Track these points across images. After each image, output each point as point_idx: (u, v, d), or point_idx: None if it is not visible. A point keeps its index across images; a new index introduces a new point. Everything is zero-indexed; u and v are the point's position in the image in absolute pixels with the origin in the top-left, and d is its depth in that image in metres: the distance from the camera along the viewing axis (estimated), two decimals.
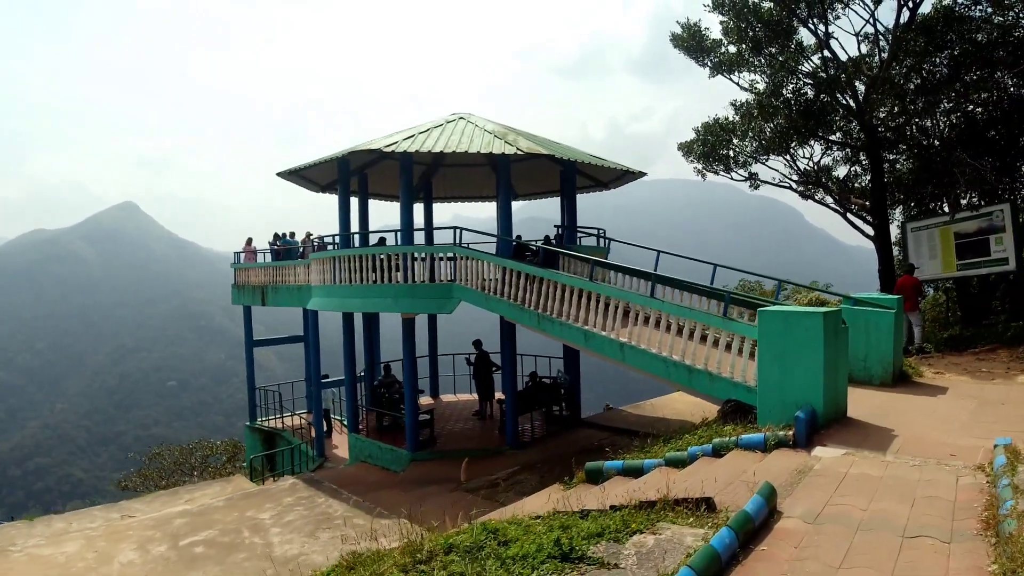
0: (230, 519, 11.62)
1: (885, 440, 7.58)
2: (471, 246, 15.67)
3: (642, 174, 18.29)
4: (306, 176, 19.18)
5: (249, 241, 25.31)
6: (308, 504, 11.87)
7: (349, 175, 17.98)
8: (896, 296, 11.00)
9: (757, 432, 8.06)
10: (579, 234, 18.56)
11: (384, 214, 27.21)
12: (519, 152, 14.52)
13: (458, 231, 15.03)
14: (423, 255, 15.45)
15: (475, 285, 14.38)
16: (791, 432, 7.61)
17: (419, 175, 22.30)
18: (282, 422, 23.20)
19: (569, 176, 18.06)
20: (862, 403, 9.17)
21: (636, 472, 8.51)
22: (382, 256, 15.55)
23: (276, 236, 23.54)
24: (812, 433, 7.71)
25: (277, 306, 22.23)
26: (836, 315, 8.18)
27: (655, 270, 13.86)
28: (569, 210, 18.22)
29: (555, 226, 17.51)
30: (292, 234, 23.27)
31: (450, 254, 15.14)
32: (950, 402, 9.51)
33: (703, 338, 10.10)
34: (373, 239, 18.22)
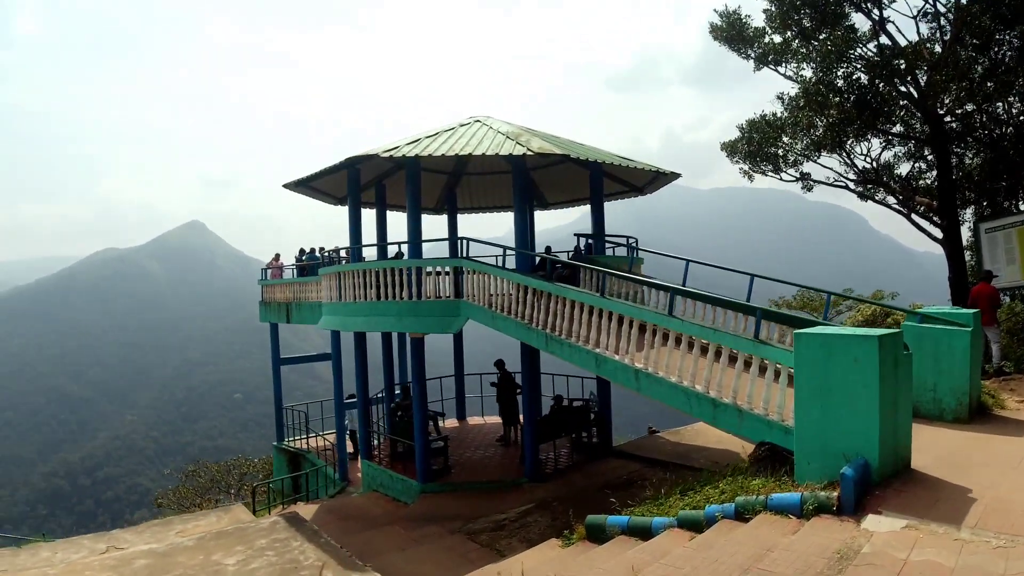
0: (194, 563, 10.26)
1: (960, 505, 5.70)
2: (493, 260, 14.26)
3: (675, 175, 16.45)
4: (318, 188, 17.99)
5: (276, 257, 24.44)
6: (280, 549, 10.43)
7: (359, 185, 16.71)
8: (972, 311, 8.93)
9: (793, 490, 6.29)
10: (609, 244, 16.81)
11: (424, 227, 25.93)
12: (530, 152, 12.95)
13: (465, 242, 13.51)
14: (429, 270, 14.03)
15: (482, 302, 12.85)
16: (835, 494, 5.82)
17: (441, 185, 20.98)
18: (307, 443, 22.14)
19: (596, 180, 16.37)
20: (930, 447, 7.24)
21: (643, 532, 6.97)
22: (384, 271, 14.19)
23: (301, 251, 22.53)
24: (863, 495, 5.89)
25: (301, 323, 21.19)
26: (896, 339, 6.31)
27: (684, 282, 12.08)
28: (596, 217, 16.50)
29: (575, 235, 15.78)
30: (321, 249, 22.16)
31: (457, 268, 13.65)
32: None
33: (737, 361, 8.24)
34: (383, 252, 16.93)
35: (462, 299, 13.37)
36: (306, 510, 16.06)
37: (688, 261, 12.07)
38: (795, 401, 6.52)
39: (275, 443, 24.06)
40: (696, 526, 6.49)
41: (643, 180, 17.89)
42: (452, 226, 21.58)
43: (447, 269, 13.86)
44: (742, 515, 6.20)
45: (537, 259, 14.54)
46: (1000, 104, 16.48)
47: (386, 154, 13.25)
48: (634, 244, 15.88)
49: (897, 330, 6.38)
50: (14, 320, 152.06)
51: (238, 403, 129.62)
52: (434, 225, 22.56)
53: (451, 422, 20.74)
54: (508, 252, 13.50)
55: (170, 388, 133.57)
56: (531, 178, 19.87)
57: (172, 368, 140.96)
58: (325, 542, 11.61)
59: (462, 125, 16.11)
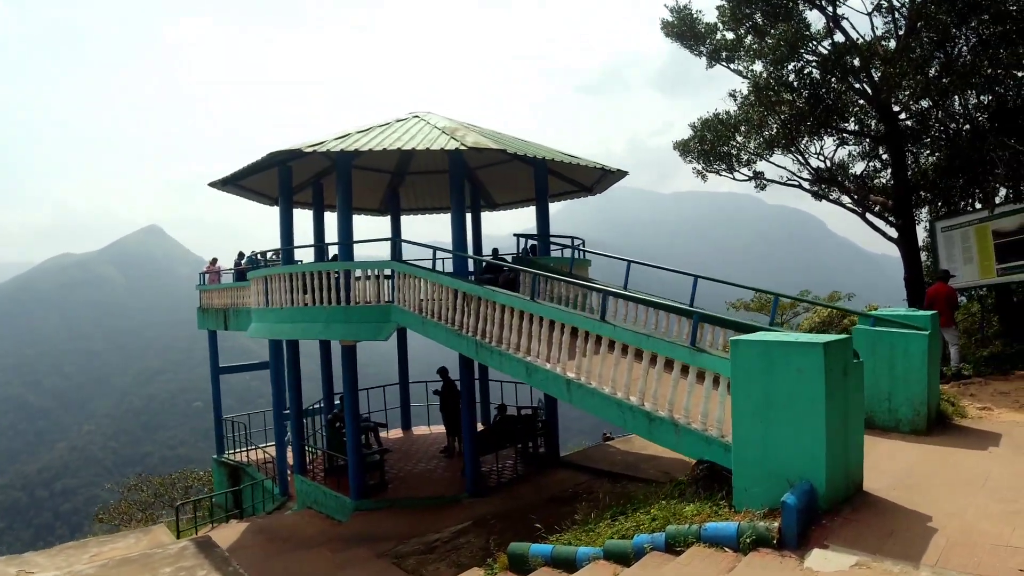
0: None
1: (919, 537, 4.87)
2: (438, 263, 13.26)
3: (623, 173, 15.64)
4: (249, 187, 16.77)
5: (214, 261, 23.13)
6: None
7: (290, 183, 15.58)
8: (929, 312, 8.14)
9: (730, 518, 5.42)
10: (555, 245, 15.89)
11: (366, 229, 24.79)
12: (463, 147, 11.99)
13: (396, 243, 12.49)
14: (359, 273, 13.00)
15: (413, 307, 11.83)
16: (776, 524, 4.96)
17: (384, 185, 19.91)
18: (247, 456, 20.85)
19: (541, 178, 15.43)
20: (885, 465, 6.43)
21: (567, 564, 6.23)
22: (311, 275, 13.11)
23: (240, 255, 21.20)
24: (808, 524, 5.05)
25: (238, 330, 19.87)
26: (845, 345, 5.46)
27: (625, 284, 11.20)
28: (541, 217, 15.56)
29: (515, 235, 14.83)
30: (263, 254, 20.84)
31: (387, 271, 12.62)
32: (1008, 459, 6.67)
33: (673, 370, 7.31)
34: (320, 254, 15.83)
35: (393, 304, 12.35)
36: (234, 529, 14.93)
37: (629, 262, 11.18)
38: (732, 417, 5.66)
39: (214, 456, 22.75)
40: (624, 558, 5.68)
41: (591, 179, 17.06)
42: (395, 228, 20.50)
43: (378, 272, 12.78)
44: (673, 547, 5.36)
45: (484, 264, 13.60)
46: (956, 99, 15.95)
47: (310, 149, 12.17)
48: (579, 245, 14.94)
49: (846, 336, 5.52)
50: None
51: (198, 411, 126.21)
52: (381, 227, 21.44)
53: (395, 432, 19.65)
54: (440, 255, 12.42)
55: (129, 397, 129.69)
56: (476, 177, 18.99)
57: (131, 376, 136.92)
58: (233, 571, 10.53)
59: (399, 120, 15.13)
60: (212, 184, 15.76)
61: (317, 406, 18.54)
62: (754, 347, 5.44)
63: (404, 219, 22.02)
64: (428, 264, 12.56)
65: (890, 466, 6.39)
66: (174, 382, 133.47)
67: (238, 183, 16.14)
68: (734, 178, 19.44)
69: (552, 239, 15.25)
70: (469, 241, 19.22)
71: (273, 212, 19.58)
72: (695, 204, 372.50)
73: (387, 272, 12.72)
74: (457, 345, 10.67)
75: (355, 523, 13.27)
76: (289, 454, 18.16)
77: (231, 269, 21.33)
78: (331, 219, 18.54)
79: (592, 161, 14.73)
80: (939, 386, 8.33)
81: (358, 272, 12.96)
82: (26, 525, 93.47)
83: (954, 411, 8.30)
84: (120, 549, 14.13)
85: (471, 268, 14.46)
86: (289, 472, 17.26)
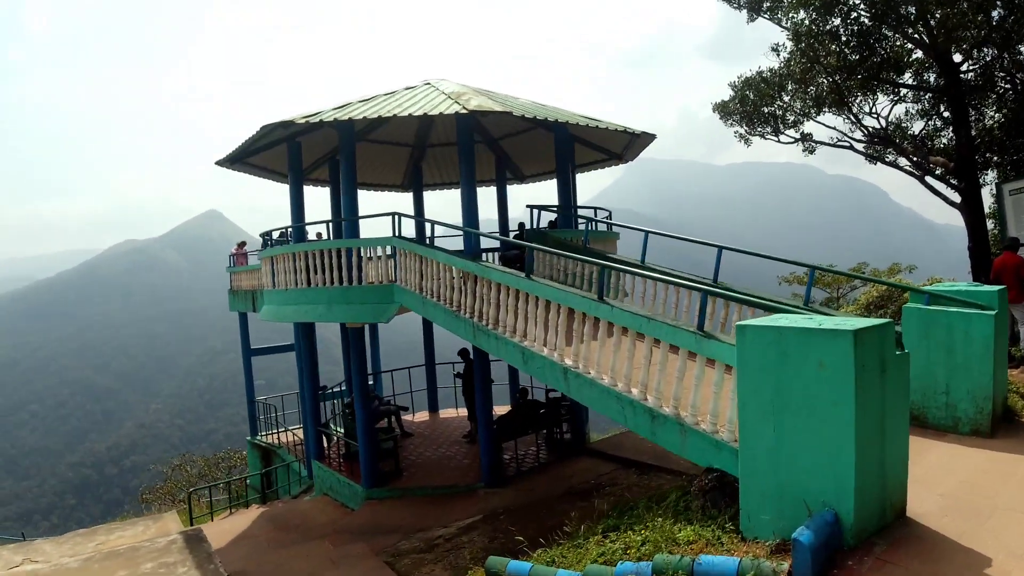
0: None
1: None
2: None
3: (650, 136, 14.25)
4: (260, 165, 16.05)
5: (241, 244, 22.69)
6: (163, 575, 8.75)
7: (300, 160, 14.79)
8: (996, 288, 6.69)
9: (732, 550, 4.33)
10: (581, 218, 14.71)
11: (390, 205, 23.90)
12: (464, 110, 10.87)
13: (397, 218, 11.50)
14: (368, 251, 12.10)
15: (414, 286, 10.87)
16: (786, 566, 3.84)
17: (405, 159, 18.95)
18: (278, 438, 20.50)
19: (562, 145, 14.24)
20: (937, 479, 5.17)
21: None
22: (313, 254, 12.29)
23: (266, 234, 20.66)
24: (829, 566, 3.90)
25: None
26: (884, 333, 4.22)
27: (643, 256, 9.99)
28: (562, 187, 14.38)
29: (528, 207, 13.65)
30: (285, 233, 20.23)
31: (390, 249, 11.68)
32: None
33: (678, 359, 6.15)
34: (337, 231, 15.05)
35: (396, 284, 11.42)
36: (247, 516, 14.50)
37: (647, 232, 9.92)
38: (739, 421, 4.51)
39: (248, 438, 22.48)
40: None
41: (619, 145, 15.72)
42: (418, 204, 19.54)
43: (380, 251, 11.86)
44: None
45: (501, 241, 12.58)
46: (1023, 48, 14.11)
47: (302, 120, 11.26)
48: (605, 218, 13.71)
49: (885, 321, 4.25)
50: (37, 315, 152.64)
51: (260, 389, 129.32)
52: (406, 203, 20.51)
53: (422, 415, 18.88)
54: (451, 233, 11.41)
55: (193, 376, 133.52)
56: (500, 148, 17.90)
57: (195, 356, 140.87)
58: (214, 569, 9.86)
59: (407, 89, 14.14)
60: (219, 162, 15.06)
61: (338, 389, 17.90)
62: (764, 334, 4.26)
63: (431, 194, 21.14)
64: (449, 242, 11.65)
65: (943, 480, 5.13)
66: (236, 362, 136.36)
67: (246, 161, 15.47)
68: (779, 141, 17.87)
69: (581, 210, 14.05)
70: (494, 216, 18.28)
71: (323, 194, 18.97)
72: (750, 176, 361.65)
73: (390, 251, 11.78)
74: (456, 327, 9.68)
75: (364, 513, 12.63)
76: None
77: (257, 251, 20.83)
78: (364, 197, 17.86)
79: (614, 123, 13.43)
80: (1007, 376, 6.94)
81: (364, 251, 12.04)
82: (96, 501, 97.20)
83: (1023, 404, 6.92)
84: (127, 538, 13.73)
85: (487, 245, 13.42)
86: None
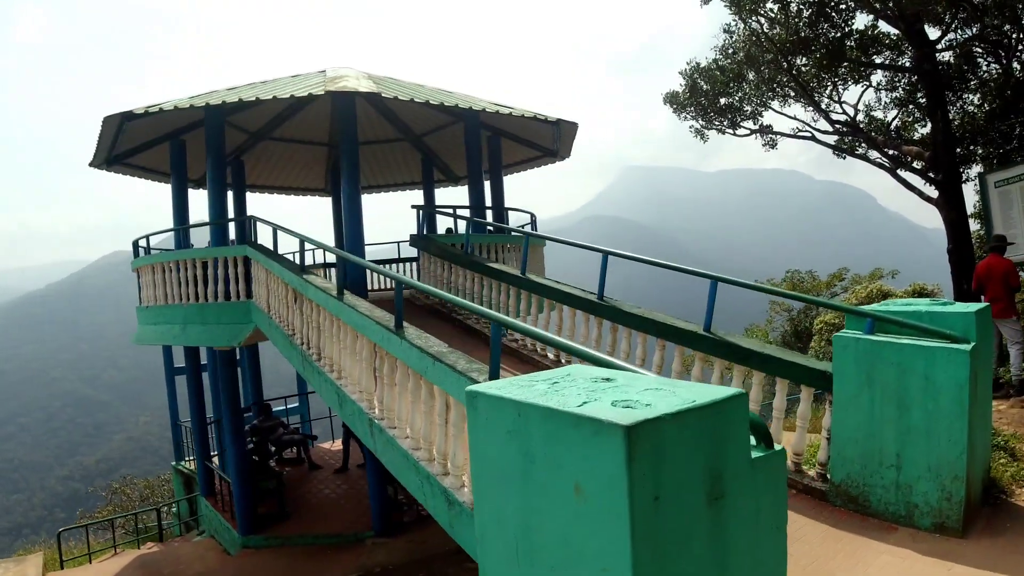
0: None
1: None
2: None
3: (572, 124, 12.09)
4: (141, 166, 13.84)
5: None
6: None
7: (183, 159, 12.59)
8: (976, 307, 4.33)
9: None
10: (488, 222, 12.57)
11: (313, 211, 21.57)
12: (349, 91, 8.77)
13: (252, 222, 9.32)
14: (225, 260, 9.88)
15: (264, 304, 8.67)
16: None
17: (323, 160, 16.82)
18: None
19: (473, 138, 12.09)
20: None
21: None
22: (165, 265, 10.13)
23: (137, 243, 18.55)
24: None
25: None
26: (709, 423, 1.95)
27: (602, 283, 7.79)
28: (474, 187, 12.26)
29: (413, 207, 11.40)
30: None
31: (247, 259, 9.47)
32: None
33: None
34: (218, 237, 12.82)
35: (252, 301, 9.22)
36: (116, 562, 12.34)
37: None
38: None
39: (172, 463, 20.16)
40: None
41: (547, 139, 13.55)
42: (338, 210, 17.28)
43: (236, 260, 9.65)
44: None
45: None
46: (1008, 27, 12.04)
47: (140, 110, 9.10)
48: (523, 226, 11.54)
49: (728, 394, 2.02)
50: (26, 326, 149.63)
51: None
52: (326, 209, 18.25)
53: (328, 444, 16.68)
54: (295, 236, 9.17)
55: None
56: (426, 146, 15.78)
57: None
58: None
59: (295, 76, 12.01)
60: (92, 164, 12.85)
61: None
62: (500, 412, 2.06)
63: (364, 198, 18.96)
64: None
65: None
66: None
67: (127, 163, 13.31)
68: (736, 134, 15.74)
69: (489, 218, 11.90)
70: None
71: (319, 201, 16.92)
72: (739, 181, 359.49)
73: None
74: (290, 356, 7.45)
75: (237, 564, 10.69)
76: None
77: None
78: (261, 199, 15.78)
79: (527, 110, 11.26)
80: (990, 435, 4.70)
81: (205, 260, 9.84)
82: (85, 515, 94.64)
83: (1016, 473, 4.65)
84: None
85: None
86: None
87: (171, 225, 12.38)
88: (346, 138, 10.44)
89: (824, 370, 4.23)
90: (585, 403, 1.87)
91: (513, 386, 2.17)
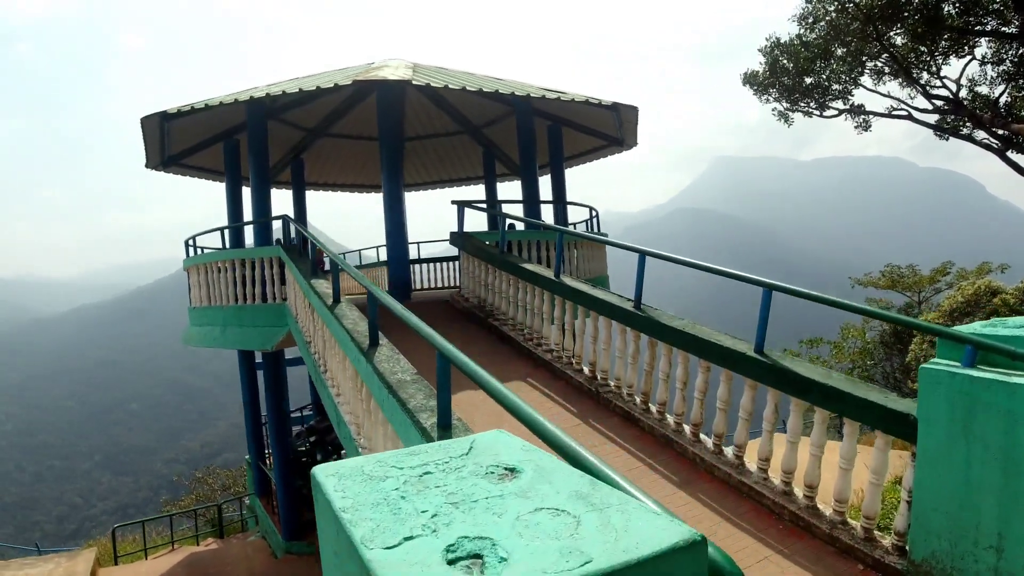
0: None
1: None
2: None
3: (633, 108, 11.01)
4: (198, 166, 13.81)
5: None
6: None
7: (236, 159, 12.41)
8: None
9: None
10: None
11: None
12: (373, 79, 8.15)
13: (285, 221, 8.88)
14: (261, 261, 9.51)
15: (293, 308, 8.19)
16: None
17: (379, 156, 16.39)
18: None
19: (525, 124, 11.27)
20: None
21: None
22: (208, 267, 9.87)
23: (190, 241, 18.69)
24: None
25: None
26: None
27: (639, 281, 6.95)
28: (527, 180, 11.45)
29: (454, 202, 10.67)
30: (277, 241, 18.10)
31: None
32: None
33: None
34: (262, 236, 12.57)
35: (287, 303, 8.77)
36: (166, 560, 12.37)
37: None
38: None
39: (247, 457, 20.37)
40: None
41: (609, 126, 12.57)
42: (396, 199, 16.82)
43: (271, 261, 9.24)
44: None
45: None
46: None
47: (174, 110, 8.79)
48: (584, 222, 10.65)
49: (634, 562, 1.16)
50: (136, 319, 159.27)
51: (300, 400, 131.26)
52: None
53: None
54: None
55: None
56: (486, 138, 15.07)
57: None
58: None
59: (340, 70, 11.56)
60: (148, 166, 12.86)
61: (304, 414, 15.57)
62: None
63: (416, 195, 18.59)
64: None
65: None
66: None
67: (182, 163, 13.30)
68: (823, 115, 14.28)
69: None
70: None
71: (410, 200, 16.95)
72: (837, 170, 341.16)
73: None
74: (308, 363, 6.92)
75: (280, 569, 10.71)
76: None
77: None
78: (321, 197, 15.56)
79: (579, 94, 10.31)
80: None
81: (248, 260, 9.46)
82: (188, 495, 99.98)
83: None
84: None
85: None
86: None
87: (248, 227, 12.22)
88: (385, 130, 9.92)
89: (906, 412, 3.21)
90: (406, 540, 1.05)
91: (362, 476, 1.38)
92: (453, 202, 9.01)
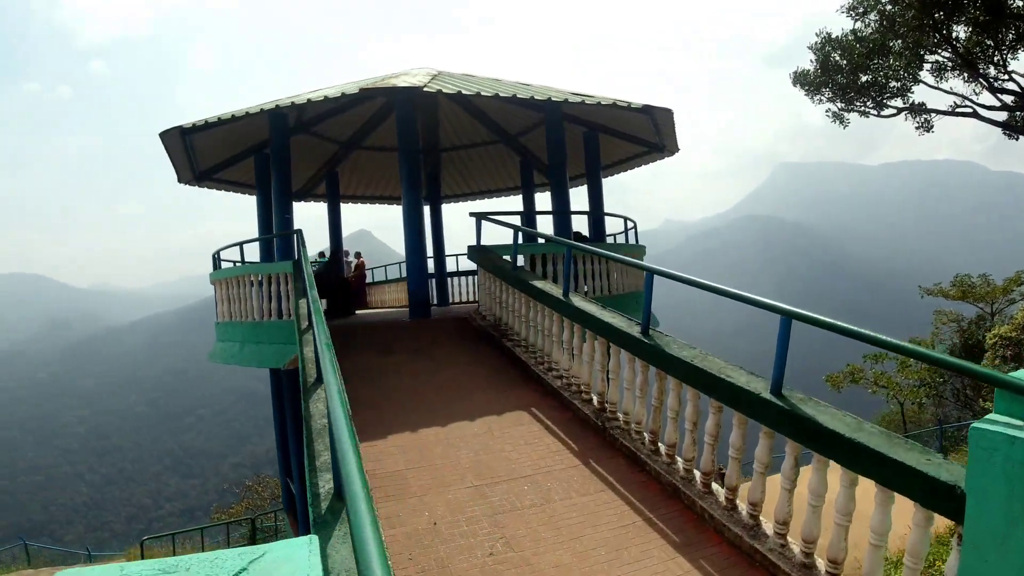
0: None
1: None
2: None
3: (667, 111, 10.29)
4: (231, 180, 13.75)
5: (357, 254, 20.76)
6: None
7: (267, 172, 12.25)
8: None
9: None
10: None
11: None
12: (385, 87, 7.81)
13: (299, 236, 8.53)
14: (276, 277, 9.22)
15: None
16: None
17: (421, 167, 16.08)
18: None
19: (554, 130, 10.70)
20: None
21: None
22: (228, 281, 9.65)
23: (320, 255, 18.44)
24: None
25: None
26: None
27: (648, 298, 6.35)
28: (556, 189, 10.87)
29: (472, 214, 10.15)
30: (321, 253, 17.88)
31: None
32: None
33: None
34: (283, 248, 12.35)
35: None
36: None
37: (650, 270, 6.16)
38: None
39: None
40: None
41: (646, 130, 11.90)
42: (436, 217, 16.42)
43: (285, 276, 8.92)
44: None
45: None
46: None
47: (188, 125, 8.65)
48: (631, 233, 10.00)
49: None
50: (204, 328, 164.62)
51: None
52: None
53: None
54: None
55: None
56: (523, 147, 14.56)
57: None
58: None
59: (383, 77, 11.27)
60: (181, 180, 12.85)
61: None
62: None
63: (454, 207, 18.23)
64: None
65: None
66: None
67: (215, 178, 13.27)
68: (880, 115, 13.28)
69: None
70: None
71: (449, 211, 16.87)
72: (905, 175, 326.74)
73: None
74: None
75: None
76: None
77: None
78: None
79: (607, 97, 9.70)
80: None
81: (256, 276, 9.18)
82: None
83: None
84: None
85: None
86: None
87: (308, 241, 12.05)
88: (403, 140, 9.51)
89: (952, 484, 2.51)
90: None
91: None
92: (471, 214, 8.52)
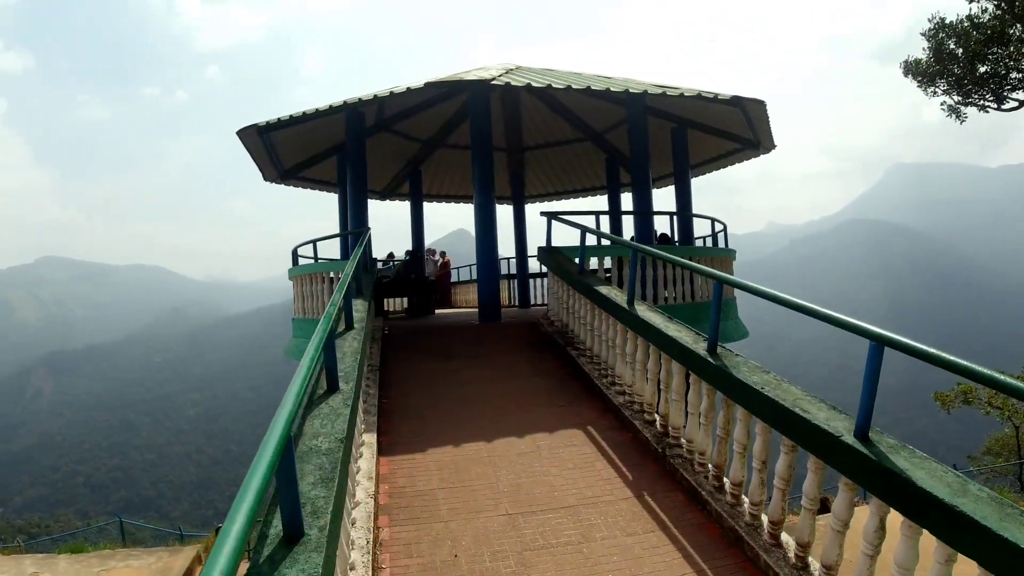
0: None
1: None
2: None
3: (759, 103, 9.43)
4: (317, 179, 13.96)
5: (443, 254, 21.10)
6: None
7: (345, 168, 12.37)
8: None
9: None
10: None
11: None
12: (486, 79, 7.52)
13: (367, 234, 8.40)
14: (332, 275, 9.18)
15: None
16: None
17: (502, 167, 15.81)
18: None
19: (637, 122, 10.08)
20: None
21: None
22: (303, 279, 9.72)
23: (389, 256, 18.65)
24: None
25: None
26: None
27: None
28: (639, 188, 10.26)
29: (543, 214, 9.65)
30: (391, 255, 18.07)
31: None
32: None
33: None
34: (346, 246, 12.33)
35: None
36: None
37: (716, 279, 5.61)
38: None
39: None
40: None
41: (738, 125, 11.09)
42: (519, 217, 16.08)
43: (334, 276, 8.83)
44: None
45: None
46: None
47: (263, 123, 8.60)
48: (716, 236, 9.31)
49: None
50: (279, 327, 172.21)
51: None
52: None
53: None
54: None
55: None
56: (609, 145, 14.08)
57: None
58: None
59: (471, 70, 11.10)
60: (267, 179, 13.13)
61: None
62: None
63: (542, 205, 17.85)
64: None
65: None
66: None
67: (301, 176, 13.50)
68: (1001, 108, 11.95)
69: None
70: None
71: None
72: None
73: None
74: None
75: None
76: None
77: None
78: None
79: (691, 88, 9.00)
80: None
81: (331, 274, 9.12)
82: None
83: None
84: (132, 569, 12.26)
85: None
86: None
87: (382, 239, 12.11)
88: (475, 137, 9.21)
89: None
90: None
91: None
92: (542, 214, 8.09)
